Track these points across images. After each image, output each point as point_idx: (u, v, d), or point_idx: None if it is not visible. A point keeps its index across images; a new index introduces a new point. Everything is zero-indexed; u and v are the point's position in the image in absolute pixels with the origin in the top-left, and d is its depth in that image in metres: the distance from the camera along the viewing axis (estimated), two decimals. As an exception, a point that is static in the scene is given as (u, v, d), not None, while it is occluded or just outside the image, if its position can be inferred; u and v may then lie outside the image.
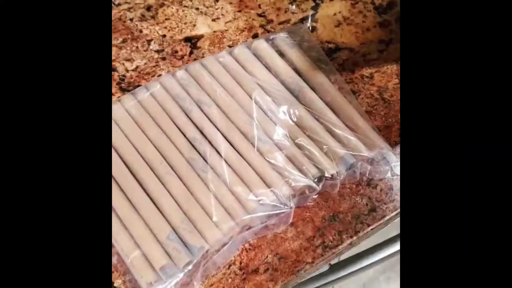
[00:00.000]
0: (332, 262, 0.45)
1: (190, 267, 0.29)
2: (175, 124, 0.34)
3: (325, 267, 0.45)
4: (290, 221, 0.32)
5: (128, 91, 0.37)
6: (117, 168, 0.32)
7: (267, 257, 0.31)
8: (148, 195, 0.31)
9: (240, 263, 0.31)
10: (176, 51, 0.40)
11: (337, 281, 0.44)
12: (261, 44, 0.39)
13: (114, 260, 0.30)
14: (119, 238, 0.30)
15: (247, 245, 0.32)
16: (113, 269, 0.30)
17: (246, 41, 0.40)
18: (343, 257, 0.45)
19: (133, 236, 0.30)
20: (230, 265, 0.31)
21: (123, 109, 0.35)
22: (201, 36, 0.41)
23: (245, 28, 0.42)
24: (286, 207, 0.32)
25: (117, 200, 0.31)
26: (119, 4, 0.42)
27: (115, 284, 0.29)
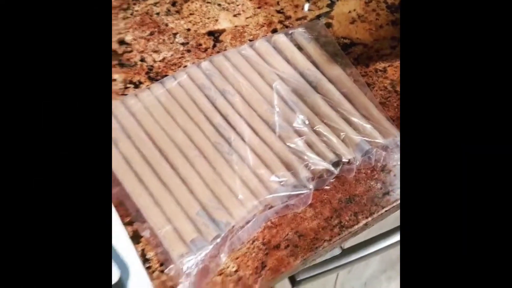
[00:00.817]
0: (345, 246, 0.48)
1: (218, 240, 0.32)
2: (201, 111, 0.37)
3: (337, 251, 0.47)
4: (309, 202, 0.34)
5: (156, 80, 0.39)
6: (150, 152, 0.34)
7: (287, 234, 0.34)
8: (178, 175, 0.34)
9: (263, 239, 0.33)
10: (200, 44, 0.42)
11: (348, 265, 0.46)
12: (281, 38, 0.41)
13: (147, 234, 0.32)
14: (151, 215, 0.32)
15: (269, 223, 0.34)
16: (146, 242, 0.32)
17: (266, 35, 0.43)
18: (355, 241, 0.47)
19: (165, 212, 0.32)
20: (253, 241, 0.33)
21: (152, 96, 0.37)
22: (223, 31, 0.43)
23: (265, 23, 0.44)
24: (305, 188, 0.34)
25: (150, 180, 0.33)
26: (145, 0, 0.44)
27: (147, 256, 0.32)
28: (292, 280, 0.44)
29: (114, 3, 0.43)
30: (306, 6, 0.45)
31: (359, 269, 0.66)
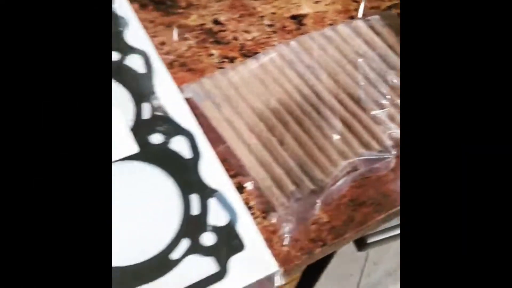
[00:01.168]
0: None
1: (313, 194, 0.36)
2: (291, 84, 0.41)
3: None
4: (392, 166, 0.38)
5: (248, 56, 0.43)
6: (248, 115, 0.39)
7: (372, 194, 0.37)
8: (275, 137, 0.38)
9: (351, 196, 0.37)
10: (285, 26, 0.46)
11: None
12: (360, 23, 0.45)
13: (250, 186, 0.36)
14: (254, 170, 0.36)
15: (355, 183, 0.38)
16: (248, 193, 0.36)
17: (344, 21, 0.47)
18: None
19: (266, 168, 0.36)
20: (342, 198, 0.37)
21: (247, 69, 0.41)
22: (306, 15, 0.47)
23: (342, 10, 0.48)
24: (389, 154, 0.38)
25: (251, 140, 0.37)
26: (234, -14, 0.48)
27: (250, 205, 0.36)
28: (360, 243, 0.48)
29: (208, -12, 0.48)
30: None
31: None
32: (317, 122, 0.39)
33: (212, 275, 0.32)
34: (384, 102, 0.40)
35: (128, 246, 0.32)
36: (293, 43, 0.44)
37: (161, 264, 0.32)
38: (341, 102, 0.40)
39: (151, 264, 0.32)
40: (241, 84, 0.40)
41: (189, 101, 0.40)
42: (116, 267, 0.31)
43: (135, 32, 0.43)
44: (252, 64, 0.42)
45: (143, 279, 0.31)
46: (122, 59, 0.41)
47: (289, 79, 0.41)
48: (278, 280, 0.33)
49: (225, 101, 0.39)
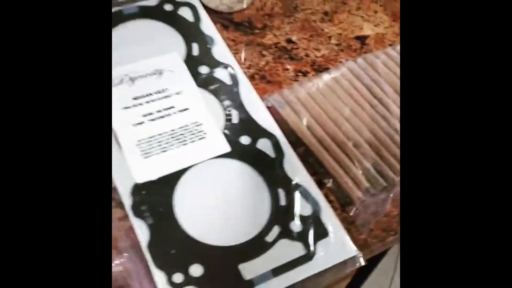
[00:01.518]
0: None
1: (384, 191, 0.40)
2: (361, 95, 0.46)
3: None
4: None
5: (320, 71, 0.49)
6: (327, 124, 0.44)
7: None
8: (350, 140, 0.43)
9: (418, 194, 0.42)
10: (350, 45, 0.52)
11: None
12: (418, 44, 0.51)
13: (329, 183, 0.41)
14: (333, 170, 0.41)
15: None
16: (327, 190, 0.41)
17: (402, 42, 0.52)
18: None
19: (343, 167, 0.41)
20: (410, 195, 0.42)
21: (322, 82, 0.47)
22: (368, 36, 0.53)
23: (399, 33, 0.53)
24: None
25: (330, 145, 0.42)
26: (303, 10, 0.54)
27: (329, 199, 0.41)
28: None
29: (279, 11, 0.54)
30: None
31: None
32: (386, 129, 0.44)
33: (301, 256, 0.37)
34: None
35: (231, 229, 0.37)
36: (359, 60, 0.49)
37: (258, 245, 0.37)
38: (405, 111, 0.45)
39: (250, 245, 0.37)
40: (317, 94, 0.46)
41: (270, 108, 0.45)
42: (223, 247, 0.36)
43: (220, 49, 0.49)
44: (325, 77, 0.47)
45: (244, 257, 0.36)
46: (211, 72, 0.47)
47: (358, 91, 0.46)
48: (359, 262, 0.37)
49: (304, 108, 0.45)
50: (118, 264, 0.34)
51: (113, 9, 0.50)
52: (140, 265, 0.35)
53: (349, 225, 0.39)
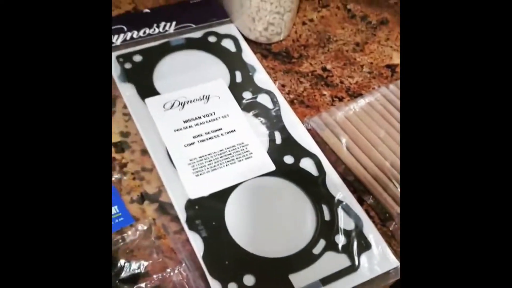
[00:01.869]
0: None
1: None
2: (394, 118, 0.49)
3: None
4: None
5: (354, 96, 0.52)
6: (365, 144, 0.46)
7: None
8: (388, 161, 0.45)
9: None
10: (381, 73, 0.55)
11: None
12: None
13: (369, 199, 0.43)
14: (373, 187, 0.44)
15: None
16: (367, 206, 0.43)
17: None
18: None
19: (381, 183, 0.44)
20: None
21: (358, 106, 0.50)
22: (397, 65, 0.56)
23: (428, 61, 0.57)
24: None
25: (369, 165, 0.45)
26: (335, 41, 0.58)
27: (370, 214, 0.43)
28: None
29: (313, 42, 0.57)
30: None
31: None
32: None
33: (346, 267, 0.39)
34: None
35: (279, 242, 0.40)
36: (391, 86, 0.52)
37: (306, 257, 0.39)
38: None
39: (298, 257, 0.39)
40: (354, 117, 0.49)
41: (310, 131, 0.48)
42: (273, 258, 0.39)
43: (261, 76, 0.52)
44: (360, 102, 0.50)
45: (294, 268, 0.39)
46: (254, 97, 0.50)
47: (392, 114, 0.49)
48: (399, 273, 0.39)
49: (342, 130, 0.48)
50: (177, 273, 0.36)
51: (162, 41, 0.54)
52: (197, 274, 0.37)
53: (390, 238, 0.42)
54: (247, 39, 0.56)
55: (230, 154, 0.45)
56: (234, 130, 0.47)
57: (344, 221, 0.42)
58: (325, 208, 0.42)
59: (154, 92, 0.50)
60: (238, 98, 0.50)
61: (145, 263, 0.36)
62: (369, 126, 0.48)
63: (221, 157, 0.45)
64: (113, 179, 0.42)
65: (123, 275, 0.35)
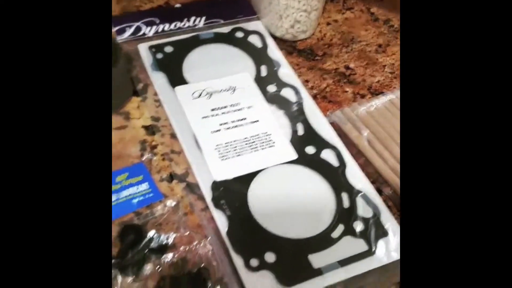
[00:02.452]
0: None
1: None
2: (414, 116, 0.51)
3: None
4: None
5: (376, 94, 0.54)
6: (385, 138, 0.48)
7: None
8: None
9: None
10: (403, 74, 0.57)
11: None
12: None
13: (388, 191, 0.45)
14: (391, 179, 0.45)
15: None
16: (385, 197, 0.45)
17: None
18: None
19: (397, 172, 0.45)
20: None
21: (379, 102, 0.52)
22: (418, 66, 0.58)
23: (448, 64, 0.58)
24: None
25: (388, 157, 0.47)
26: (359, 41, 0.60)
27: (388, 204, 0.44)
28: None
29: (337, 42, 0.59)
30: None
31: None
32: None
33: (364, 251, 0.40)
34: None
35: (299, 224, 0.42)
36: (412, 85, 0.54)
37: (324, 240, 0.41)
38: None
39: (318, 239, 0.41)
40: (376, 112, 0.50)
41: (333, 124, 0.50)
42: (293, 239, 0.40)
43: (286, 72, 0.54)
44: (382, 99, 0.52)
45: (313, 249, 0.40)
46: (278, 90, 0.52)
47: (412, 112, 0.51)
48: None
49: (364, 125, 0.49)
50: (203, 246, 0.38)
51: (192, 34, 0.57)
52: (221, 249, 0.39)
53: (407, 228, 0.43)
54: (273, 36, 0.58)
55: (254, 142, 0.47)
56: (258, 120, 0.49)
57: (363, 209, 0.43)
58: (344, 196, 0.44)
59: (184, 81, 0.52)
60: (263, 91, 0.52)
61: (173, 236, 0.38)
62: (390, 121, 0.50)
63: (246, 144, 0.47)
64: (143, 158, 0.44)
65: (152, 245, 0.37)
